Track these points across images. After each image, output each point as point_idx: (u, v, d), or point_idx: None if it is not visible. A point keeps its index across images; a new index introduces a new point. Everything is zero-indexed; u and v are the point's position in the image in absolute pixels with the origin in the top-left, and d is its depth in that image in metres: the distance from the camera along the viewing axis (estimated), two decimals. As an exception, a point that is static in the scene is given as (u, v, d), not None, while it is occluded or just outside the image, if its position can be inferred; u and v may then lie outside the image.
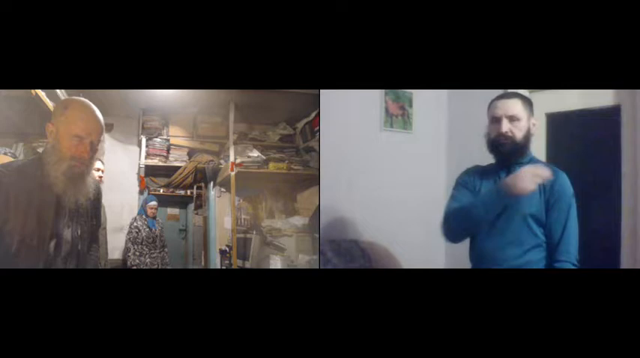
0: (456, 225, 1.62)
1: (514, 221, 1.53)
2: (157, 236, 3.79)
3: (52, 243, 1.27)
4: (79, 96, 1.41)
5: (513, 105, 1.55)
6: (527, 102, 1.59)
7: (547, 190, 1.51)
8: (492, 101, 1.60)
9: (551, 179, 1.49)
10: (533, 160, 1.59)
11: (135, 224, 3.72)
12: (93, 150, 1.34)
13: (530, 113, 1.59)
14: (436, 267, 2.24)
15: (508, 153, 1.56)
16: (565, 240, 1.47)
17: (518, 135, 1.54)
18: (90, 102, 1.38)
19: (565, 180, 1.52)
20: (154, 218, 3.85)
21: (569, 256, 1.46)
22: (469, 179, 1.69)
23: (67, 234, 1.32)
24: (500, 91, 1.63)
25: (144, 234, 3.70)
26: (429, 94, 2.68)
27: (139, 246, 3.66)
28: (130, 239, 3.68)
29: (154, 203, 3.85)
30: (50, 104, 2.70)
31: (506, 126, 1.54)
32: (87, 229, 1.40)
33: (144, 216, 3.79)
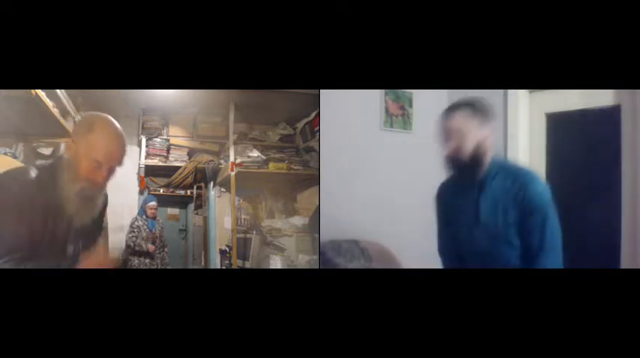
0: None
1: (490, 238, 1.48)
2: (156, 237, 3.79)
3: (54, 259, 1.25)
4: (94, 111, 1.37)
5: (457, 120, 1.47)
6: (479, 109, 1.49)
7: (519, 201, 1.42)
8: (440, 117, 1.53)
9: (525, 187, 1.43)
10: (504, 168, 1.50)
11: (135, 224, 3.73)
12: (109, 176, 1.30)
13: (483, 120, 1.48)
14: (436, 267, 2.24)
15: (464, 169, 1.49)
16: (542, 257, 1.41)
17: (468, 149, 1.46)
18: (116, 124, 1.32)
19: (538, 187, 1.42)
20: (154, 218, 3.85)
21: (547, 263, 1.41)
22: (443, 199, 1.70)
23: (69, 249, 1.30)
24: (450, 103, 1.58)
25: (144, 234, 3.70)
26: (429, 94, 2.68)
27: (142, 246, 3.67)
28: (130, 239, 3.69)
29: (153, 203, 3.85)
30: (50, 104, 2.70)
31: (452, 144, 1.47)
32: (88, 243, 1.37)
33: (144, 217, 3.79)
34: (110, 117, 1.33)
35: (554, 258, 1.41)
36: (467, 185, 1.54)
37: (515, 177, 1.47)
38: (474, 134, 1.46)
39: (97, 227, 1.43)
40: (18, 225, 1.16)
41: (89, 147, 1.25)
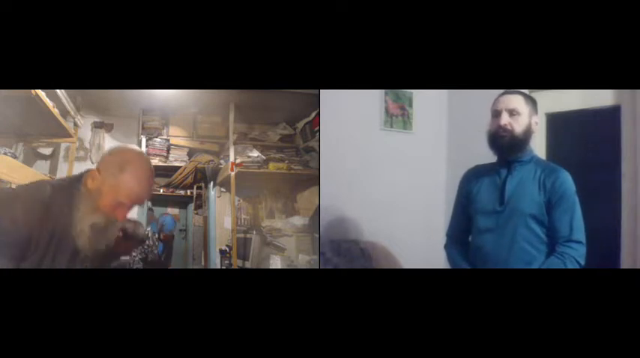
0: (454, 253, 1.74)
1: (513, 221, 1.52)
2: (160, 262, 3.77)
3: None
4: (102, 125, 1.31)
5: (515, 100, 1.57)
6: (530, 100, 1.60)
7: (548, 189, 1.51)
8: (496, 97, 1.62)
9: (554, 174, 1.51)
10: (535, 158, 1.59)
11: (148, 243, 3.68)
12: (129, 212, 1.24)
13: (533, 111, 1.59)
14: (436, 267, 2.25)
15: (507, 147, 1.56)
16: (572, 238, 1.47)
17: (518, 129, 1.55)
18: (149, 165, 1.24)
19: (567, 178, 1.52)
20: (166, 242, 3.80)
21: (576, 253, 1.45)
22: (465, 184, 1.71)
23: (76, 266, 1.25)
24: (502, 91, 1.64)
25: (151, 256, 3.68)
26: (429, 94, 2.68)
27: (142, 264, 3.64)
28: (140, 259, 3.63)
29: (169, 233, 3.76)
30: (50, 104, 2.70)
31: (505, 119, 1.55)
32: (99, 264, 1.31)
33: (156, 236, 3.74)
34: (144, 154, 1.25)
35: (581, 249, 1.47)
36: (496, 167, 1.62)
37: (545, 166, 1.57)
38: (526, 116, 1.57)
39: (110, 251, 1.35)
40: (20, 236, 1.11)
41: (116, 188, 1.17)
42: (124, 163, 1.19)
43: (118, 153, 1.25)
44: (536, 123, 1.60)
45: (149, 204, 4.18)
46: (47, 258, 1.16)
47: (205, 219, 4.23)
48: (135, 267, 3.62)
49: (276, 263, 3.15)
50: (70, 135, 3.45)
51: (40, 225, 1.13)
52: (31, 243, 1.13)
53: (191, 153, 4.24)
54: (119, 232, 1.26)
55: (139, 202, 1.24)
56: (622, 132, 2.10)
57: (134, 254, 3.63)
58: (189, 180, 4.26)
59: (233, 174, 3.40)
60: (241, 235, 3.55)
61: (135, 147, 1.27)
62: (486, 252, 1.57)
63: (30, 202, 1.14)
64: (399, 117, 2.62)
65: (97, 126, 3.94)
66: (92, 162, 4.00)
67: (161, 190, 4.29)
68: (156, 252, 3.73)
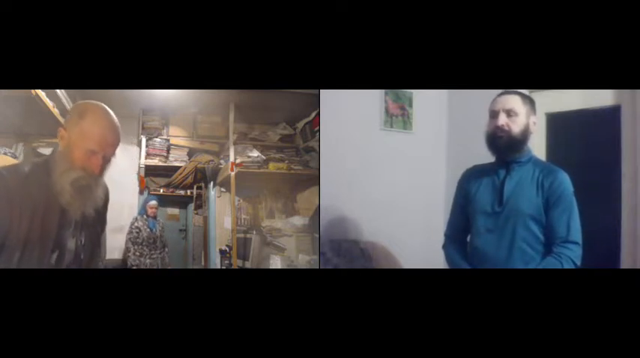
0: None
1: (511, 222, 1.52)
2: (157, 237, 3.80)
3: (55, 255, 1.21)
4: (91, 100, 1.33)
5: (512, 100, 1.57)
6: (528, 100, 1.59)
7: (546, 189, 1.51)
8: (493, 98, 1.62)
9: (553, 175, 1.51)
10: (533, 159, 1.59)
11: (135, 224, 3.73)
12: (105, 164, 1.25)
13: (531, 111, 1.59)
14: (436, 267, 2.25)
15: (505, 147, 1.56)
16: (569, 238, 1.46)
17: (515, 129, 1.54)
18: (108, 111, 1.26)
19: (564, 179, 1.51)
20: (155, 218, 3.85)
21: (572, 253, 1.45)
22: (464, 184, 1.71)
23: (71, 243, 1.26)
24: (500, 91, 1.63)
25: (144, 234, 3.70)
26: (429, 94, 2.68)
27: (139, 247, 3.67)
28: (130, 239, 3.69)
29: (154, 202, 3.85)
30: (50, 104, 2.70)
31: (502, 120, 1.54)
32: (91, 237, 1.34)
33: (144, 217, 3.80)
34: (103, 104, 1.27)
35: (577, 250, 1.47)
36: (495, 168, 1.62)
37: (543, 167, 1.57)
38: (524, 116, 1.56)
39: (100, 219, 1.40)
40: (6, 216, 1.13)
41: (81, 136, 1.20)
42: (82, 112, 1.24)
43: (77, 106, 1.30)
44: (534, 123, 1.60)
45: None
46: (34, 230, 1.17)
47: (205, 219, 4.23)
48: (127, 246, 3.68)
49: (276, 263, 3.15)
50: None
51: (19, 203, 1.16)
52: (12, 222, 1.14)
53: (191, 153, 4.24)
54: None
55: (108, 149, 1.24)
56: (622, 132, 2.11)
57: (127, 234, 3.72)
58: (189, 180, 4.26)
59: (233, 174, 3.40)
60: (241, 235, 3.55)
61: (92, 101, 1.29)
62: (485, 253, 1.57)
63: (8, 183, 1.17)
64: (399, 117, 2.62)
65: (96, 126, 3.94)
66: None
67: (161, 190, 4.29)
68: (148, 230, 3.75)
